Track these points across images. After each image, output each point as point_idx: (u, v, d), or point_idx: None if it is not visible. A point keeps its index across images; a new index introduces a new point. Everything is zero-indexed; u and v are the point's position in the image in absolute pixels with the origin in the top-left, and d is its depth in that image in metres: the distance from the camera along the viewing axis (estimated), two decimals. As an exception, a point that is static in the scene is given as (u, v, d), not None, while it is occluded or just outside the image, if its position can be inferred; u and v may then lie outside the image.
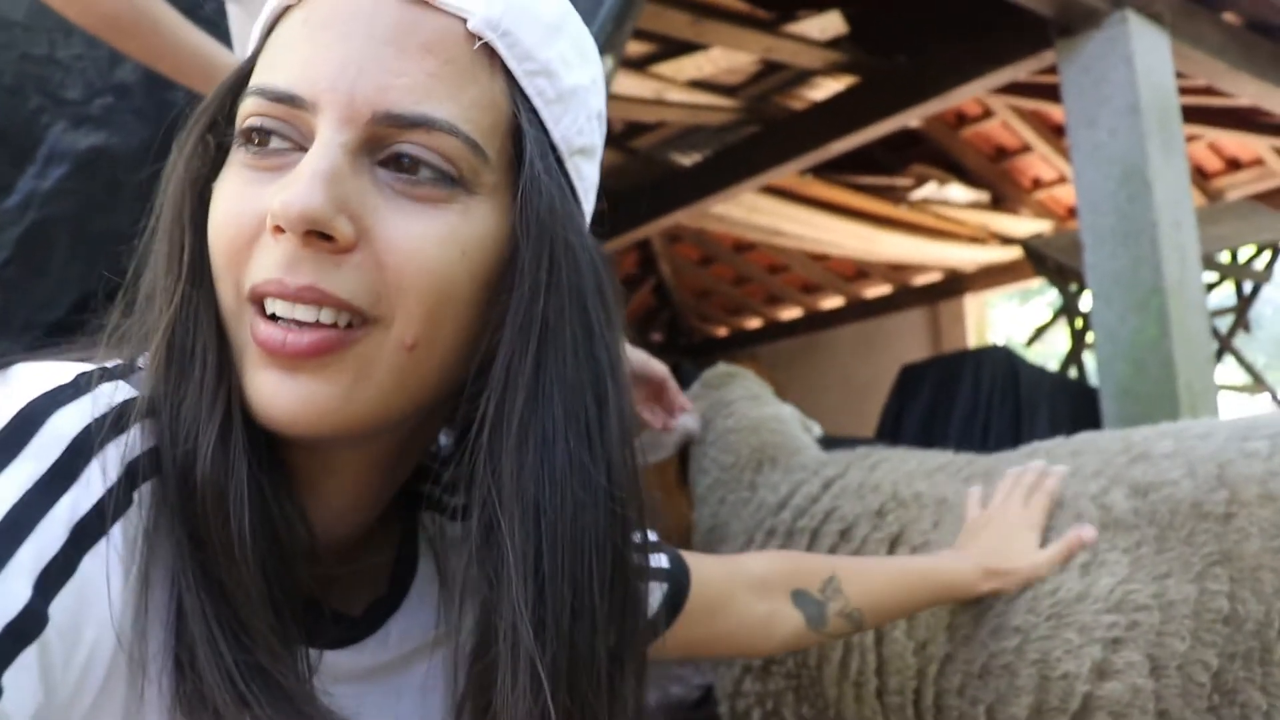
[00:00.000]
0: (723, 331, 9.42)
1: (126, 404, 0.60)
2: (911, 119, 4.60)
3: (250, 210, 0.61)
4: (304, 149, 0.62)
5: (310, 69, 0.61)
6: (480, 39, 0.64)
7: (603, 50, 2.37)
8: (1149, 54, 3.22)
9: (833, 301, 8.37)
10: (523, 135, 0.66)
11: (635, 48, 4.35)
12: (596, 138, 0.75)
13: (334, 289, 0.59)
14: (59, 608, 0.52)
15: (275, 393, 0.60)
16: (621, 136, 5.51)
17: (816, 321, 8.53)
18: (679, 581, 1.01)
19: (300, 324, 0.60)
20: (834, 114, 4.63)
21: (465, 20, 0.63)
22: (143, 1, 1.30)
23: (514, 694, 0.62)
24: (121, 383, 0.61)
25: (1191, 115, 4.38)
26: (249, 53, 0.70)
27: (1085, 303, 4.04)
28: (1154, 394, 3.05)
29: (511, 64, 0.66)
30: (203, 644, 0.58)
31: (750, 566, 1.15)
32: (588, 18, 2.38)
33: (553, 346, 0.65)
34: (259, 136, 0.63)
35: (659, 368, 2.01)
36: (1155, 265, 3.06)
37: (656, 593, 0.97)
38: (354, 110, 0.60)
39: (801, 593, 1.16)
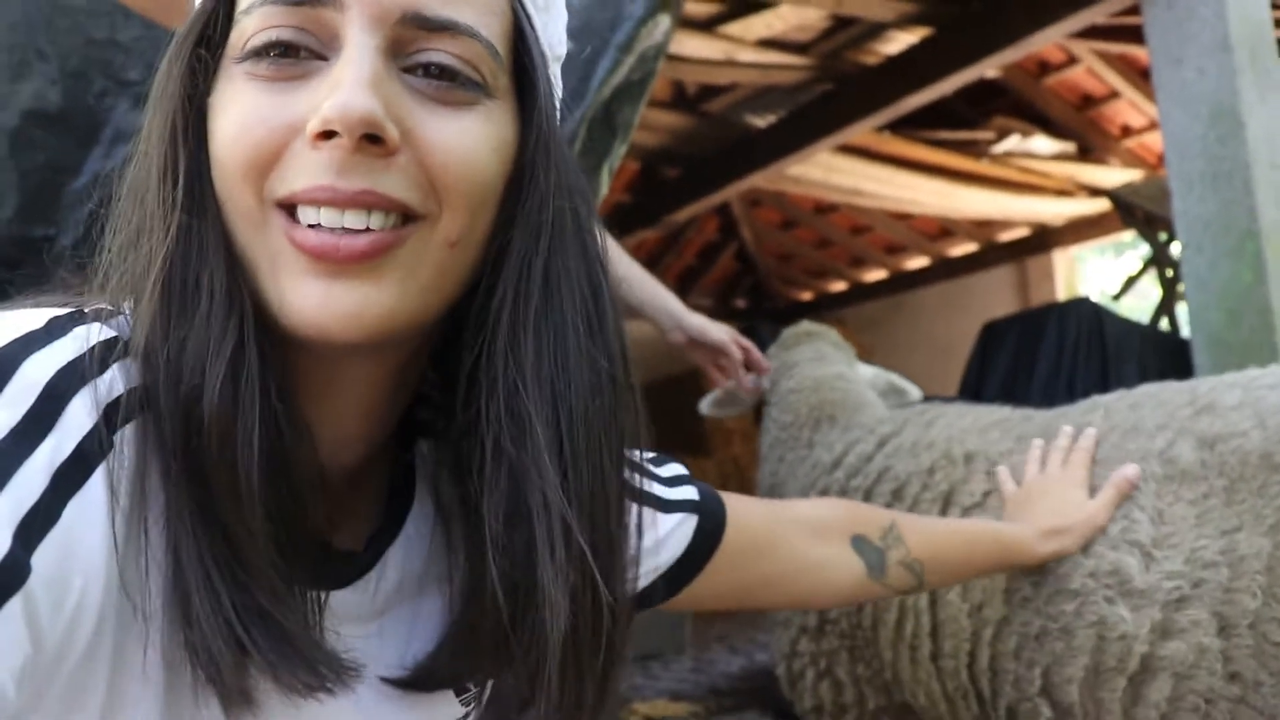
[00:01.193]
0: (807, 295, 9.32)
1: (104, 345, 0.59)
2: (989, 69, 4.44)
3: (278, 119, 0.61)
4: (323, 57, 0.62)
5: None
6: None
7: (659, 8, 2.33)
8: (1238, -15, 3.06)
9: (918, 261, 8.21)
10: (526, 41, 0.69)
11: (702, 8, 4.29)
12: (565, 47, 0.77)
13: (389, 190, 0.60)
14: (43, 557, 0.51)
15: (325, 300, 0.60)
16: (694, 100, 5.46)
17: (902, 282, 8.38)
18: (713, 515, 0.99)
19: (351, 230, 0.60)
20: (908, 67, 4.51)
21: None
22: None
23: (554, 561, 0.64)
24: (97, 325, 0.60)
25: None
26: None
27: (1176, 252, 3.89)
28: (1250, 343, 2.91)
29: None
30: (200, 588, 0.57)
31: (805, 511, 1.13)
32: (647, -26, 2.33)
33: (558, 242, 0.68)
34: (279, 49, 0.62)
35: (717, 333, 2.00)
36: (1250, 208, 2.92)
37: (687, 524, 0.96)
38: (383, 9, 0.61)
39: (862, 539, 1.13)
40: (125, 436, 0.57)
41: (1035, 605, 1.35)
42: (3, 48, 1.65)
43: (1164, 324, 4.06)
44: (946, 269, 8.02)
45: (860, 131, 5.01)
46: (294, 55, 0.62)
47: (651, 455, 0.99)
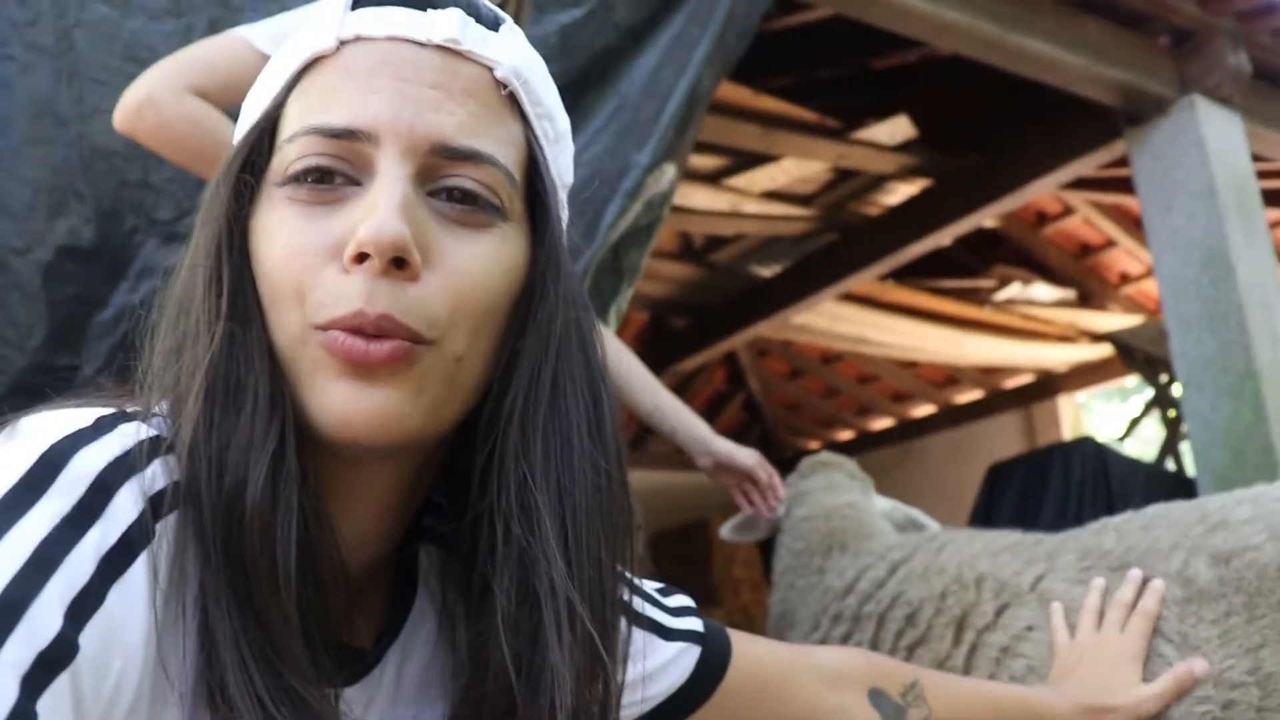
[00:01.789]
0: (814, 445, 9.30)
1: (149, 440, 0.63)
2: (987, 218, 4.58)
3: (318, 243, 0.66)
4: (357, 182, 0.68)
5: (368, 107, 0.67)
6: (506, 86, 0.73)
7: (666, 158, 2.43)
8: (1221, 136, 3.19)
9: (924, 409, 8.24)
10: (539, 168, 0.75)
11: (707, 161, 4.45)
12: (572, 176, 0.83)
13: (403, 318, 0.64)
14: (89, 637, 0.53)
15: (354, 400, 0.64)
16: (700, 251, 5.59)
17: (909, 430, 8.38)
18: (717, 650, 0.99)
19: (374, 337, 0.64)
20: (909, 217, 4.66)
21: (493, 69, 0.72)
22: (223, 134, 1.39)
23: (561, 642, 0.68)
24: (140, 423, 0.64)
25: (1275, 199, 4.28)
26: (271, 98, 0.74)
27: (1177, 392, 3.93)
28: (1254, 480, 2.91)
29: (527, 107, 0.75)
30: (234, 671, 0.59)
31: (824, 657, 1.12)
32: (650, 125, 2.46)
33: (565, 351, 0.73)
34: (317, 175, 0.68)
35: (745, 458, 2.04)
36: (1245, 348, 2.98)
37: (689, 655, 0.96)
38: (414, 142, 0.67)
39: (880, 693, 1.10)
40: (167, 526, 0.61)
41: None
42: (43, 188, 1.74)
43: (1169, 464, 4.07)
44: (953, 416, 8.04)
45: (864, 280, 5.13)
46: (330, 181, 0.68)
47: (659, 586, 1.01)
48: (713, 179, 4.53)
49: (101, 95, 1.80)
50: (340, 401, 0.64)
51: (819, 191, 4.96)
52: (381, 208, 0.64)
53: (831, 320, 5.87)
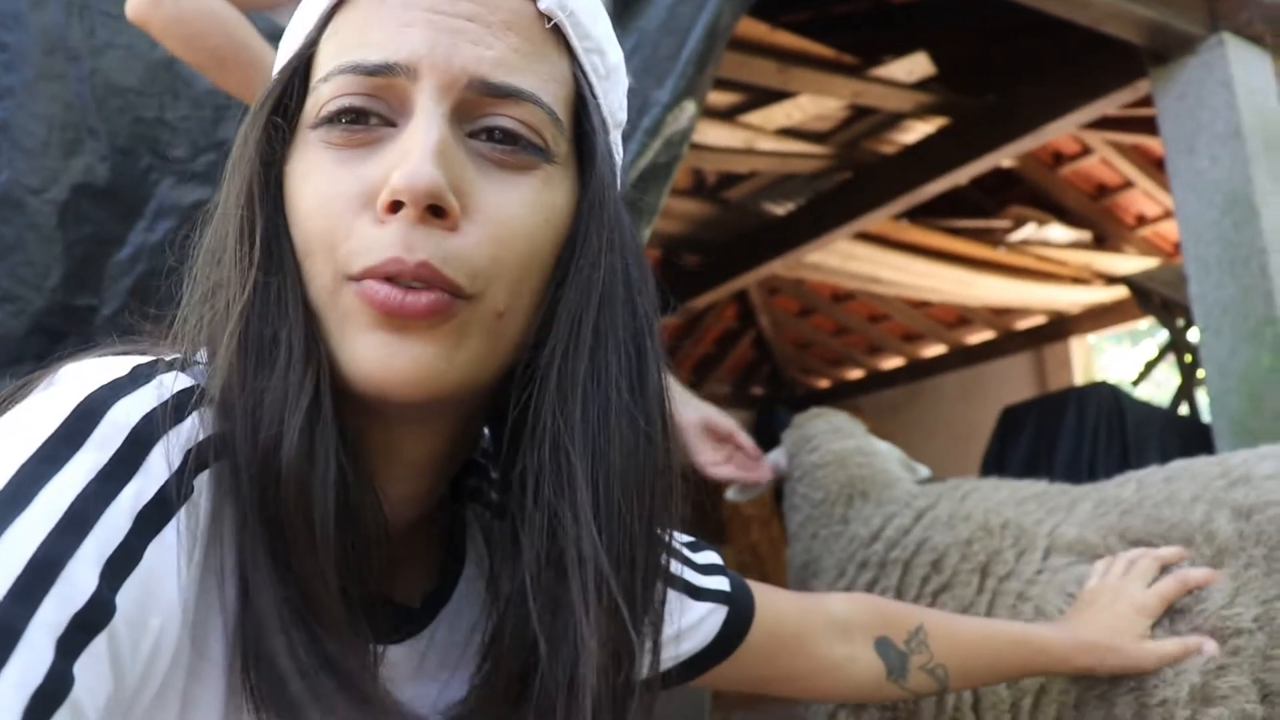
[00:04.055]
0: (824, 383, 9.33)
1: (185, 392, 0.61)
2: (1004, 158, 4.52)
3: (352, 190, 0.63)
4: (392, 123, 0.65)
5: (405, 40, 0.64)
6: (550, 19, 0.69)
7: (685, 95, 2.40)
8: (1250, 76, 3.12)
9: (935, 349, 8.24)
10: (587, 107, 0.72)
11: (723, 98, 4.39)
12: (625, 114, 0.80)
13: (444, 269, 0.62)
14: (125, 596, 0.53)
15: (388, 354, 0.62)
16: (714, 188, 5.55)
17: (919, 370, 8.39)
18: (742, 610, 0.99)
19: (413, 288, 0.62)
20: (925, 156, 4.59)
21: (535, 1, 0.69)
22: (241, 36, 1.35)
23: (589, 610, 0.65)
24: (179, 373, 0.63)
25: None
26: (304, 36, 0.71)
27: (1194, 337, 3.91)
28: (1272, 428, 2.91)
29: (574, 41, 0.71)
30: (274, 635, 0.59)
31: (833, 607, 1.12)
32: (670, 63, 2.42)
33: (609, 302, 0.69)
34: (351, 115, 0.65)
35: (725, 422, 2.00)
36: (1266, 293, 2.94)
37: (716, 615, 0.97)
38: (452, 76, 0.64)
39: (885, 641, 1.12)
40: (203, 481, 0.60)
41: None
42: (57, 125, 1.72)
43: (1184, 409, 4.06)
44: (964, 356, 8.04)
45: (878, 219, 5.07)
46: (365, 122, 0.65)
47: (689, 540, 1.00)
48: (728, 115, 4.47)
49: (114, 30, 1.77)
50: (373, 355, 0.62)
51: (835, 129, 4.90)
52: (416, 152, 0.61)
53: (845, 259, 5.83)
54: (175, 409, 0.60)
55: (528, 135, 0.66)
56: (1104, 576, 1.36)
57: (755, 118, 4.53)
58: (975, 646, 1.19)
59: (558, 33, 0.70)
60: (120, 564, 0.53)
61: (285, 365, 0.62)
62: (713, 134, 4.52)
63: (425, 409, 0.66)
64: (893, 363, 8.62)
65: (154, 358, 0.64)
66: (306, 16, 0.71)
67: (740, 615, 0.99)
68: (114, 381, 0.59)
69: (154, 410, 0.59)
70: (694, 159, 4.81)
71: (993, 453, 3.91)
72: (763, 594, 1.03)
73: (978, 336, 7.92)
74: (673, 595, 0.86)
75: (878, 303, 7.54)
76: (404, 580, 0.75)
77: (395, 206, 0.61)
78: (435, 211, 0.61)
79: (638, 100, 2.35)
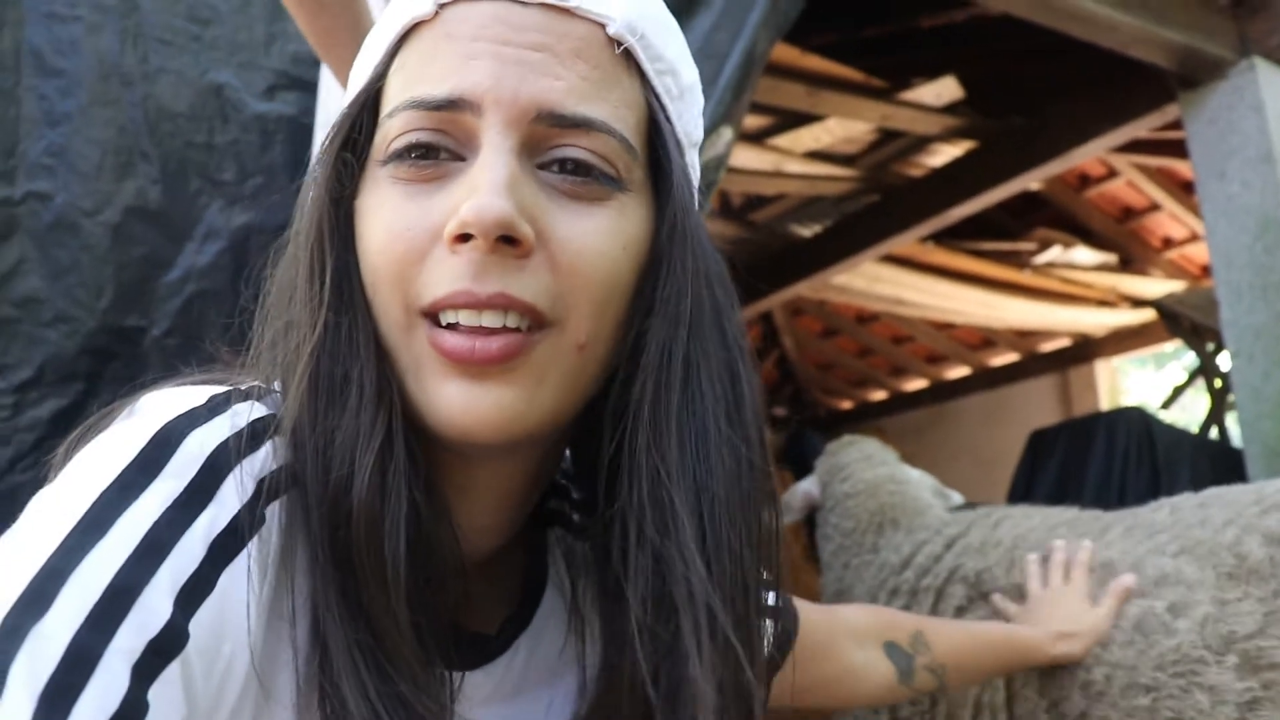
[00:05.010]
0: (847, 404, 9.31)
1: (260, 422, 0.62)
2: (1031, 182, 4.52)
3: (421, 224, 0.63)
4: (461, 158, 0.64)
5: (470, 74, 0.63)
6: (621, 43, 0.67)
7: (722, 121, 2.42)
8: (1280, 101, 3.12)
9: (959, 371, 8.21)
10: (661, 132, 0.70)
11: (752, 120, 4.41)
12: (702, 132, 0.78)
13: (521, 294, 0.61)
14: (199, 624, 0.53)
15: (466, 403, 0.61)
16: (741, 209, 5.56)
17: (943, 392, 8.36)
18: (789, 623, 1.01)
19: (486, 330, 0.61)
20: (953, 179, 4.60)
21: (605, 25, 0.67)
22: (361, 12, 1.31)
23: (701, 652, 0.63)
24: (255, 403, 0.63)
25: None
26: (371, 70, 0.70)
27: (1224, 362, 3.89)
28: (1304, 453, 2.90)
29: (645, 65, 0.69)
30: (347, 677, 0.58)
31: (848, 616, 1.17)
32: (707, 88, 2.45)
33: (697, 329, 0.68)
34: (420, 151, 0.64)
35: None
36: (1300, 319, 2.94)
37: (766, 630, 0.98)
38: (519, 111, 0.63)
39: (893, 645, 1.18)
40: (275, 511, 0.60)
41: (1110, 699, 1.35)
42: (109, 149, 1.75)
43: (1214, 433, 4.04)
44: (988, 379, 8.00)
45: (905, 242, 5.08)
46: (434, 157, 0.64)
47: None
48: (756, 138, 4.49)
49: (166, 56, 1.81)
50: (452, 404, 0.62)
51: (863, 152, 4.91)
52: (484, 185, 0.60)
53: (870, 281, 5.83)
54: (250, 438, 0.61)
55: (600, 165, 0.65)
56: (1044, 584, 1.55)
57: (784, 140, 4.54)
58: (968, 645, 1.29)
59: (629, 56, 0.68)
60: (194, 592, 0.54)
61: (357, 405, 0.62)
62: (741, 156, 4.53)
63: (506, 450, 0.66)
64: (916, 384, 8.60)
65: (231, 387, 0.64)
66: (375, 48, 0.71)
67: (788, 629, 1.00)
68: (191, 411, 0.60)
69: (229, 439, 0.60)
70: (726, 181, 4.82)
71: (1021, 475, 3.89)
72: (798, 604, 1.06)
73: (1002, 359, 7.90)
74: None
75: (902, 324, 7.53)
76: (481, 607, 0.75)
77: (464, 238, 0.61)
78: (507, 241, 0.61)
79: (673, 126, 2.38)
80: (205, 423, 0.60)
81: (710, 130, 2.40)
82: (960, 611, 1.59)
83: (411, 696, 0.60)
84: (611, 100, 0.66)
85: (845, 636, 1.13)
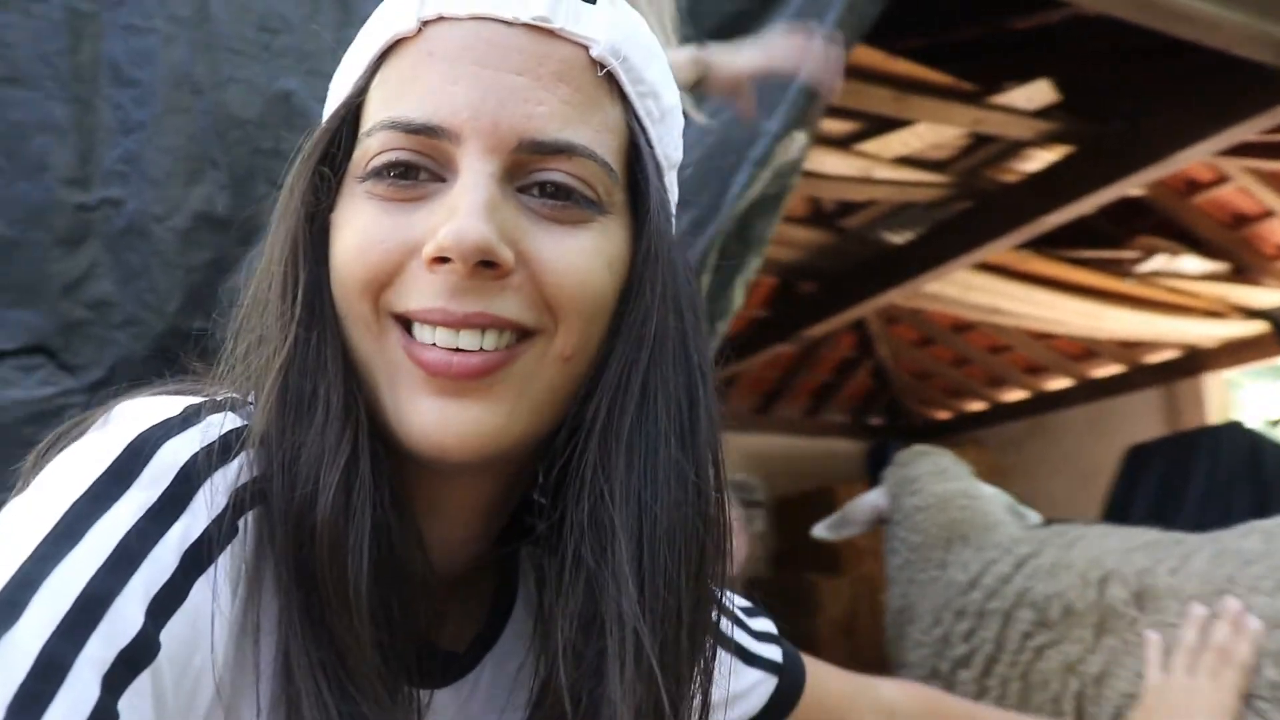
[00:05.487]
0: (944, 415, 9.12)
1: (233, 433, 0.61)
2: (1132, 187, 4.36)
3: (396, 240, 0.62)
4: (441, 179, 0.63)
5: (448, 100, 0.62)
6: (604, 66, 0.67)
7: (796, 125, 2.38)
8: (1398, 101, 2.96)
9: (1059, 382, 7.97)
10: (641, 155, 0.70)
11: (839, 126, 4.35)
12: (681, 153, 0.77)
13: (501, 311, 0.61)
14: (170, 635, 0.53)
15: (443, 420, 0.61)
16: (831, 216, 5.49)
17: (1043, 403, 8.13)
18: (793, 682, 0.97)
19: (463, 350, 0.61)
20: (1049, 185, 4.46)
21: (588, 47, 0.66)
22: None
23: (624, 675, 0.62)
24: (229, 414, 0.63)
25: None
26: (352, 84, 0.70)
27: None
28: None
29: (628, 88, 0.69)
30: (308, 695, 0.58)
31: (883, 692, 1.09)
32: (780, 92, 2.41)
33: (660, 352, 0.68)
34: (399, 170, 0.63)
35: (741, 63, 1.87)
36: None
37: (766, 685, 0.95)
38: (499, 139, 0.62)
39: None
40: (248, 523, 0.60)
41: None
42: (180, 156, 1.79)
43: (1327, 452, 3.84)
44: (1090, 391, 7.75)
45: (999, 250, 4.95)
46: (413, 177, 0.64)
47: (746, 605, 0.98)
48: (844, 144, 4.42)
49: (236, 65, 1.85)
50: (427, 421, 0.61)
51: (954, 157, 4.80)
52: (464, 208, 0.60)
53: (964, 289, 5.70)
54: (223, 450, 0.60)
55: (581, 189, 0.65)
56: (1167, 672, 1.27)
57: (872, 146, 4.47)
58: None
59: (611, 79, 0.68)
60: (166, 602, 0.54)
61: (323, 422, 0.62)
62: (829, 162, 4.47)
63: (482, 466, 0.65)
64: (1015, 395, 8.38)
65: (206, 398, 0.64)
66: (356, 61, 0.70)
67: (791, 688, 0.96)
68: (165, 421, 0.60)
69: (203, 449, 0.59)
70: (810, 187, 4.77)
71: (1118, 493, 3.76)
72: (812, 669, 1.00)
73: (1105, 370, 7.64)
74: (724, 657, 0.83)
75: (999, 334, 7.35)
76: (452, 624, 0.75)
77: (441, 260, 0.60)
78: (486, 265, 0.60)
79: (746, 131, 2.34)
80: (179, 433, 0.60)
81: (783, 134, 2.36)
82: (1027, 638, 1.51)
83: (374, 717, 0.60)
84: (593, 124, 0.66)
85: (870, 711, 1.05)
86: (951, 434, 8.85)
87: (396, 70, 0.66)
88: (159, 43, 1.84)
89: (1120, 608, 1.42)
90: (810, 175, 4.58)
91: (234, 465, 0.61)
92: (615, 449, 0.65)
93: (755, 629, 0.97)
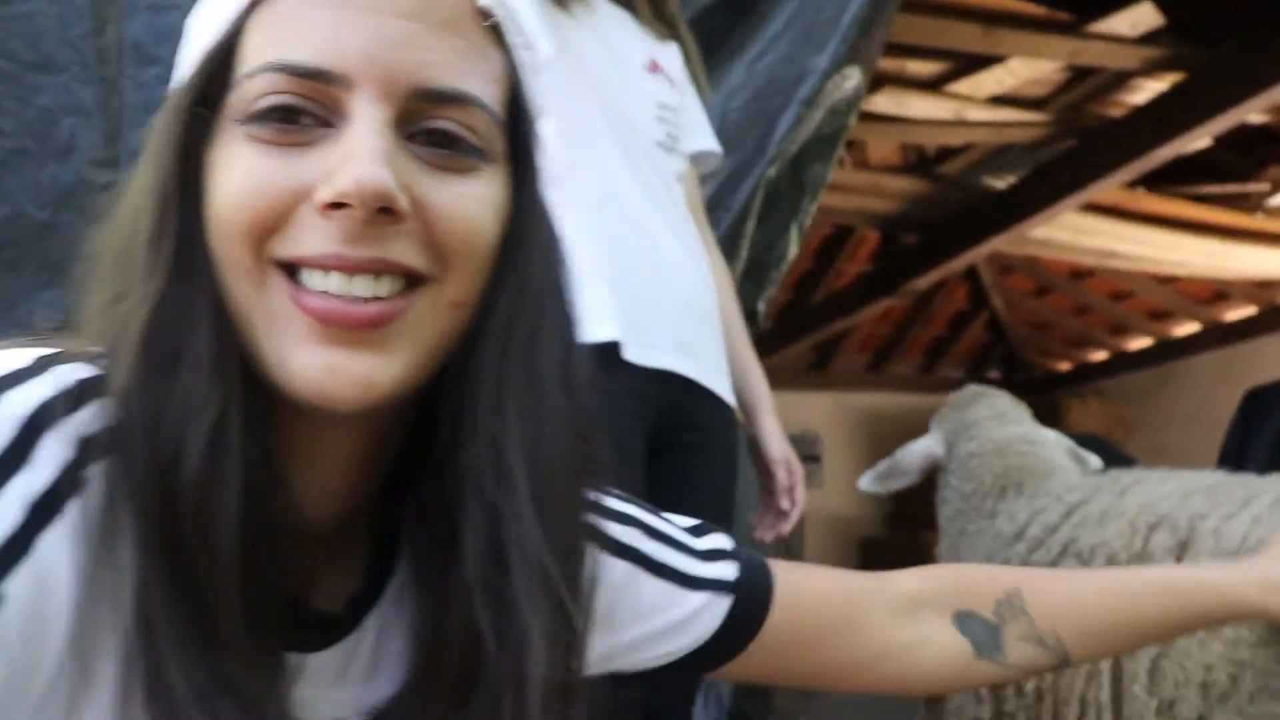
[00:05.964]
0: (1065, 366, 8.81)
1: (83, 383, 0.59)
2: (1251, 113, 4.08)
3: (284, 184, 0.60)
4: (328, 124, 0.61)
5: (339, 43, 0.60)
6: (490, 16, 0.66)
7: (848, 61, 2.27)
8: None
9: (1188, 328, 7.60)
10: (522, 105, 0.70)
11: (925, 66, 4.19)
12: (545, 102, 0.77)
13: (399, 257, 0.61)
14: (15, 587, 0.52)
15: (334, 369, 0.59)
16: (928, 163, 5.31)
17: (1170, 350, 7.77)
18: (752, 598, 0.89)
19: (358, 299, 0.60)
20: (1158, 117, 4.19)
21: None
22: None
23: (533, 605, 0.65)
24: (80, 364, 0.61)
25: None
26: (230, 18, 0.64)
27: None
28: None
29: (511, 38, 0.69)
30: (171, 654, 0.56)
31: (902, 585, 0.98)
32: (829, 26, 2.30)
33: (540, 299, 0.69)
34: (283, 114, 0.61)
35: (773, 448, 1.64)
36: None
37: (717, 606, 0.88)
38: (392, 86, 0.61)
39: (967, 615, 0.96)
40: (97, 474, 0.58)
41: (1235, 703, 1.16)
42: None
43: None
44: (1221, 335, 7.36)
45: (1108, 188, 4.71)
46: (298, 121, 0.61)
47: (691, 524, 0.93)
48: (932, 85, 4.26)
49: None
50: (318, 371, 0.59)
51: (1053, 93, 4.58)
52: (363, 153, 0.58)
53: (1075, 233, 5.46)
54: (74, 398, 0.58)
55: (469, 137, 0.64)
56: None
57: (963, 86, 4.30)
58: (1100, 602, 1.00)
59: (495, 29, 0.67)
60: (10, 553, 0.53)
61: (191, 374, 0.59)
62: (919, 106, 4.32)
63: (366, 414, 0.63)
64: (1140, 343, 8.03)
65: (59, 349, 0.62)
66: None
67: (750, 605, 0.89)
68: (12, 372, 0.58)
69: (50, 399, 0.57)
70: (902, 133, 4.62)
71: (1233, 439, 3.54)
72: (798, 577, 0.93)
73: (1237, 313, 7.24)
74: (659, 587, 0.85)
75: (1120, 279, 7.04)
76: (327, 585, 0.72)
77: (338, 206, 0.58)
78: (385, 212, 0.59)
79: (794, 69, 2.24)
80: (25, 382, 0.58)
81: (834, 70, 2.25)
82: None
83: (241, 678, 0.58)
84: (481, 74, 0.65)
85: (887, 611, 0.95)
86: (1072, 385, 8.53)
87: (279, 10, 0.63)
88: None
89: (1159, 556, 1.31)
90: (900, 120, 4.42)
91: (84, 415, 0.59)
92: (506, 392, 0.67)
93: (701, 548, 0.90)
